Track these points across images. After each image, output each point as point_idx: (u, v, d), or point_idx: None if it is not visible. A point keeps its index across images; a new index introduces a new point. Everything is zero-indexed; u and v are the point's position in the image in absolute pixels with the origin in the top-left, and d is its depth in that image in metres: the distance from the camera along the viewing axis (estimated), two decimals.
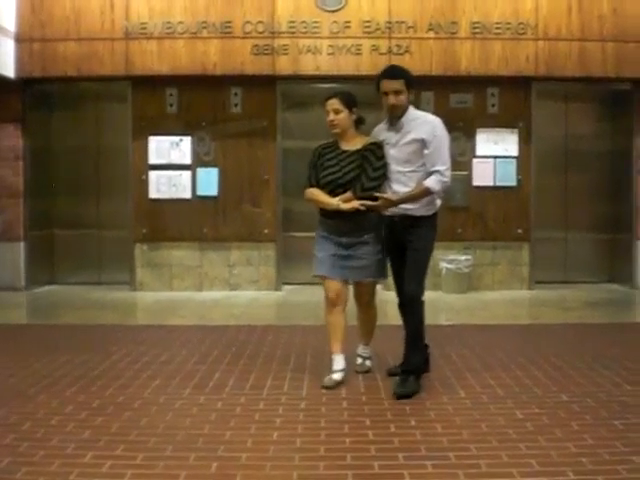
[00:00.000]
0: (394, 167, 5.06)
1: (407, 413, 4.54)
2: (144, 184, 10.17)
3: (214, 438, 4.09)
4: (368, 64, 9.66)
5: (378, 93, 5.08)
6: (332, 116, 5.13)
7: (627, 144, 10.34)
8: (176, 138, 10.18)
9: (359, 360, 5.56)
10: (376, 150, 5.09)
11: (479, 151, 10.19)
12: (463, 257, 9.96)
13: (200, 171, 10.20)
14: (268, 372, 5.54)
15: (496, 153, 10.19)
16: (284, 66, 9.84)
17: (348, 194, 5.03)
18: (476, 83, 10.05)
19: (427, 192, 4.93)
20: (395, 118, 5.08)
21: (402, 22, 9.80)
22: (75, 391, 5.02)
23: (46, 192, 10.61)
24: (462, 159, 10.13)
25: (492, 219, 10.21)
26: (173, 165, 10.18)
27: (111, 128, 10.66)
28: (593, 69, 9.89)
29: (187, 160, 10.20)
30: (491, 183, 10.19)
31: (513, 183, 10.20)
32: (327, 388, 5.06)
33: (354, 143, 5.17)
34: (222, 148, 10.21)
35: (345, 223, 5.07)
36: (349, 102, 5.16)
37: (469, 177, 10.17)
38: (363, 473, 3.58)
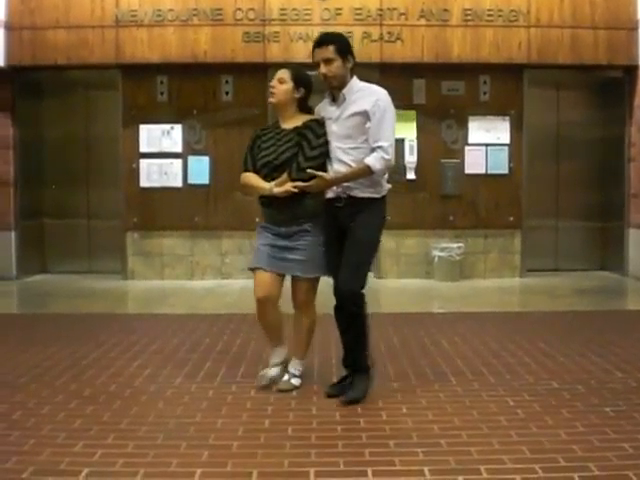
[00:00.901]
0: (335, 144, 4.50)
1: (399, 400, 4.54)
2: (135, 173, 10.13)
3: (205, 426, 4.08)
4: (359, 52, 9.32)
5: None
6: (274, 83, 4.66)
7: (619, 132, 10.34)
8: (167, 126, 10.13)
9: (285, 376, 4.78)
10: (315, 127, 4.57)
11: (471, 139, 10.18)
12: (455, 245, 9.96)
13: (191, 159, 10.16)
14: (259, 361, 5.52)
15: (488, 141, 10.17)
16: (275, 53, 9.79)
17: (283, 177, 4.48)
18: (468, 70, 10.02)
19: (367, 171, 4.37)
20: (336, 91, 4.55)
21: (394, 9, 9.76)
22: (66, 380, 5.00)
23: (37, 181, 10.56)
24: (454, 147, 10.15)
25: (484, 207, 10.20)
26: (164, 153, 10.14)
27: (101, 116, 10.61)
28: (585, 56, 9.88)
29: (178, 148, 10.15)
30: (483, 171, 10.18)
31: (505, 171, 10.19)
32: (261, 387, 4.74)
33: (294, 122, 4.64)
34: (213, 136, 10.16)
35: (281, 210, 4.54)
36: (298, 77, 4.69)
37: (461, 165, 10.17)
38: (354, 460, 3.57)
